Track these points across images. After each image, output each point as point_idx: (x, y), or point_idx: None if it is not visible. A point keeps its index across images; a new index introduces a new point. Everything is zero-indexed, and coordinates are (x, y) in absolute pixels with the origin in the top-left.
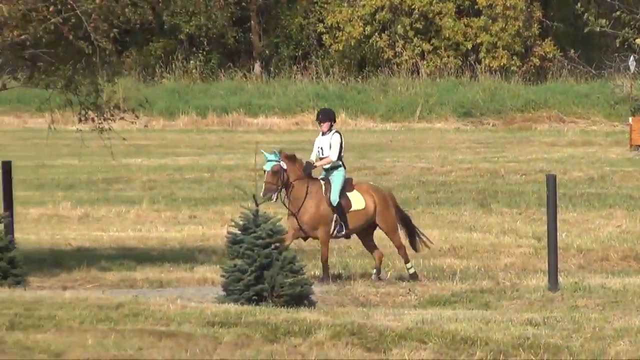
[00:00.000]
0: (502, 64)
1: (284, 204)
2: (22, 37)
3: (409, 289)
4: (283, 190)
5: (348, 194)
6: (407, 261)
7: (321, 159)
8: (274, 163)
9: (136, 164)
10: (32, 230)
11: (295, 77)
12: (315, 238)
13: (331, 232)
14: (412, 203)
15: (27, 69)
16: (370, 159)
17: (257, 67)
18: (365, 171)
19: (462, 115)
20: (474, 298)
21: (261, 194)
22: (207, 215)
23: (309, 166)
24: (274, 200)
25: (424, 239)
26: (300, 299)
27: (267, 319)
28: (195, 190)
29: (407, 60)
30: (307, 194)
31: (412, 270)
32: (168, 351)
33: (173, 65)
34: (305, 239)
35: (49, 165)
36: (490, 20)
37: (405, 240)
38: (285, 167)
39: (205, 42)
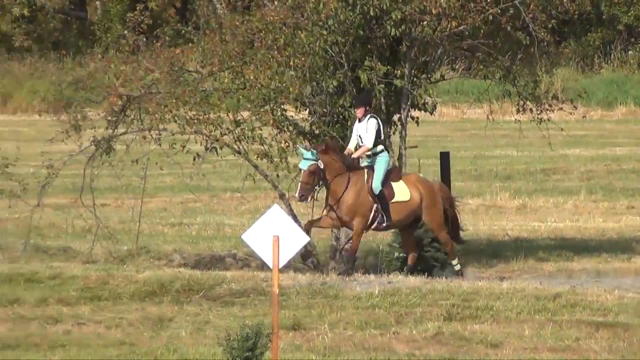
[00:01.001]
0: None
1: (317, 201)
2: (461, 27)
3: None
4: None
5: (393, 183)
6: (453, 258)
7: (361, 147)
8: (311, 162)
9: (574, 155)
10: (470, 221)
11: None
12: (351, 229)
13: (371, 221)
14: None
15: (465, 60)
16: None
17: None
18: None
19: None
20: None
21: (296, 193)
22: None
23: (347, 159)
24: (309, 201)
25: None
26: None
27: None
28: (634, 180)
29: None
30: (347, 187)
31: (457, 267)
32: (605, 342)
33: (611, 56)
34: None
35: (487, 155)
36: None
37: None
38: (322, 166)
39: None
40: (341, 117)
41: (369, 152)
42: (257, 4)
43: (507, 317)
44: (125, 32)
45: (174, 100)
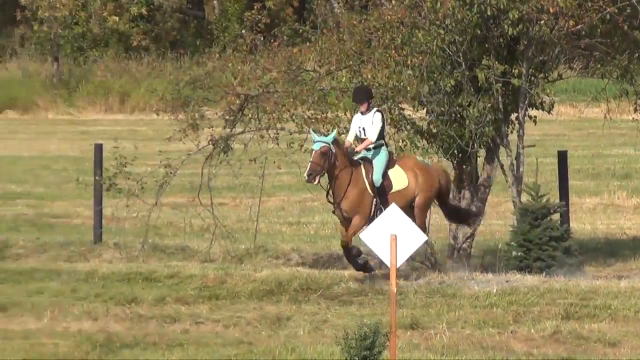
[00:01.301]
0: None
1: (322, 188)
2: (578, 26)
3: None
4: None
5: (389, 171)
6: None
7: (362, 140)
8: (323, 144)
9: None
10: (587, 220)
11: None
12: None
13: (372, 215)
14: None
15: (582, 59)
16: None
17: None
18: None
19: None
20: None
21: (305, 173)
22: None
23: (350, 152)
24: (316, 182)
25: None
26: None
27: None
28: None
29: None
30: (350, 183)
31: None
32: None
33: None
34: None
35: (604, 154)
36: None
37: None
38: (334, 150)
39: None
40: (458, 116)
41: (371, 145)
42: (375, 3)
43: (625, 315)
44: (243, 31)
45: (292, 100)
